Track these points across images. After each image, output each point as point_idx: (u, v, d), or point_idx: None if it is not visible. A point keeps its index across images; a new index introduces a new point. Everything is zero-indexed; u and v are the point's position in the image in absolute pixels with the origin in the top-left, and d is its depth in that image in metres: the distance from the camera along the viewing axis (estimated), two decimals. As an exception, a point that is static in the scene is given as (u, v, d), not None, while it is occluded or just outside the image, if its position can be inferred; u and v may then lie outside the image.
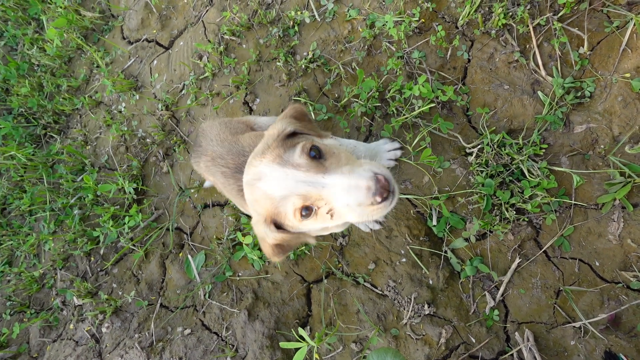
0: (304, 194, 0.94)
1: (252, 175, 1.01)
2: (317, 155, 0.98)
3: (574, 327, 1.52)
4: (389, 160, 1.77)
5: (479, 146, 1.68)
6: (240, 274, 1.96)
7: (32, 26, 2.79)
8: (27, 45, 2.74)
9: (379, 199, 0.89)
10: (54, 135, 2.60)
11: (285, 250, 1.11)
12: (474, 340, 1.61)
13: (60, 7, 2.56)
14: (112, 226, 2.17)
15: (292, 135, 1.10)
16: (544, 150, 1.61)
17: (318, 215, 0.97)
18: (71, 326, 2.18)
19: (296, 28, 2.00)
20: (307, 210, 0.97)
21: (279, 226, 1.06)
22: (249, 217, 1.89)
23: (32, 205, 2.43)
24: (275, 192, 0.96)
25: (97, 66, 2.52)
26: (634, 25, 1.51)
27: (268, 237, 1.06)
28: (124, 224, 2.17)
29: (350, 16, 1.89)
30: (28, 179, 2.51)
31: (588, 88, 1.58)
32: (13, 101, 2.66)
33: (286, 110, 1.20)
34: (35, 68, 2.75)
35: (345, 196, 0.91)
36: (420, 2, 1.78)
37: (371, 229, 1.79)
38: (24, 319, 2.30)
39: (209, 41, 2.16)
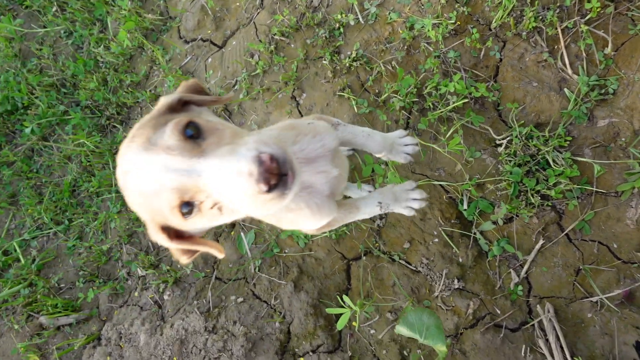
0: (178, 186, 0.72)
1: (121, 169, 0.78)
2: (195, 134, 0.76)
3: (591, 301, 1.69)
4: (405, 155, 1.66)
5: (508, 138, 1.85)
6: (286, 251, 2.19)
7: (97, 27, 3.09)
8: (92, 44, 3.04)
9: (264, 187, 0.67)
10: (117, 125, 2.89)
11: (194, 252, 0.94)
12: (499, 312, 1.80)
13: (124, 10, 2.84)
14: (172, 206, 2.44)
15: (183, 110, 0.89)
16: (568, 142, 1.77)
17: (203, 212, 0.77)
18: (136, 294, 2.47)
19: (341, 30, 2.21)
20: (188, 207, 0.76)
21: (175, 230, 0.88)
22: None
23: (100, 188, 2.73)
24: (147, 188, 0.74)
25: (157, 63, 2.79)
26: (656, 28, 1.65)
27: (166, 246, 0.88)
28: (183, 204, 2.43)
29: (391, 19, 2.08)
30: (95, 164, 2.81)
31: (611, 86, 1.73)
32: (81, 94, 2.97)
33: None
34: (100, 65, 3.05)
35: (223, 186, 0.70)
36: (456, 6, 1.96)
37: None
38: (94, 287, 2.61)
39: (260, 41, 2.39)
